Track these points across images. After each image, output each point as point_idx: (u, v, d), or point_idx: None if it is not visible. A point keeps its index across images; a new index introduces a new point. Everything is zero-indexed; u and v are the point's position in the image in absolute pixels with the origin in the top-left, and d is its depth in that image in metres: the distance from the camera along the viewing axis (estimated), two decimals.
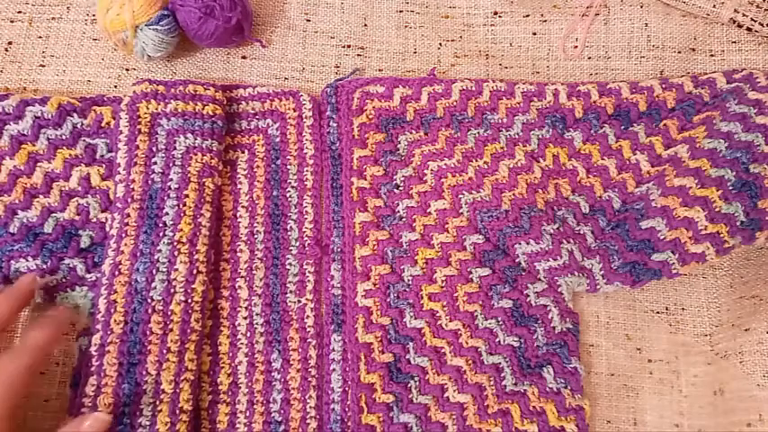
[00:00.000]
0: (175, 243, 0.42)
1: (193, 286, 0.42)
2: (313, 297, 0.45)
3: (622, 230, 0.43)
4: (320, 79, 0.51)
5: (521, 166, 0.45)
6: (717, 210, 0.41)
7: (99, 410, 0.38)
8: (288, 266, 0.45)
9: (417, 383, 0.42)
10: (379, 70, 0.51)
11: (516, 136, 0.46)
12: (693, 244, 0.41)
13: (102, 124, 0.45)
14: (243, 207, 0.46)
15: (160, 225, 0.42)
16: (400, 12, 0.53)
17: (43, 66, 0.50)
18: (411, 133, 0.47)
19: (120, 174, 0.43)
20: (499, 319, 0.43)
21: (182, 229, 0.42)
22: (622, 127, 0.46)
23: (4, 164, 0.44)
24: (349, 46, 0.52)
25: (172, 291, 0.41)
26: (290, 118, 0.48)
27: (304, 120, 0.48)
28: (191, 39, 0.49)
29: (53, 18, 0.51)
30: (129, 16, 0.45)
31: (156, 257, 0.41)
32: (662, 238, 0.42)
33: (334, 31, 0.52)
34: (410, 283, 0.44)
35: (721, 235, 0.40)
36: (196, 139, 0.45)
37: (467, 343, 0.43)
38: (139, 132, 0.44)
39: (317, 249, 0.46)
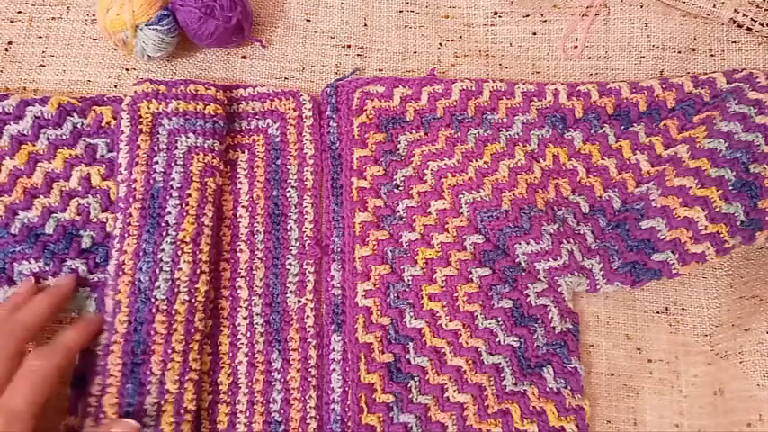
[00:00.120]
0: (178, 242, 0.42)
1: (197, 286, 0.42)
2: (313, 297, 0.45)
3: (622, 230, 0.43)
4: (320, 79, 0.51)
5: (521, 166, 0.45)
6: (717, 210, 0.41)
7: (103, 410, 0.38)
8: (288, 266, 0.45)
9: (417, 383, 0.42)
10: (379, 70, 0.51)
11: (516, 136, 0.46)
12: (693, 244, 0.41)
13: (103, 124, 0.45)
14: (243, 207, 0.46)
15: (163, 225, 0.42)
16: (400, 12, 0.53)
17: (43, 66, 0.50)
18: (411, 133, 0.47)
19: (121, 174, 0.43)
20: (499, 319, 0.43)
21: (185, 229, 0.42)
22: (622, 127, 0.46)
23: (5, 164, 0.44)
24: (349, 46, 0.52)
25: (176, 290, 0.41)
26: (290, 118, 0.48)
27: (304, 120, 0.48)
28: (191, 39, 0.48)
29: (53, 18, 0.51)
30: (129, 16, 0.45)
31: (159, 257, 0.41)
32: (662, 238, 0.42)
33: (334, 31, 0.52)
34: (410, 283, 0.44)
35: (721, 235, 0.40)
36: (198, 139, 0.44)
37: (467, 343, 0.43)
38: (141, 132, 0.44)
39: (317, 249, 0.46)
